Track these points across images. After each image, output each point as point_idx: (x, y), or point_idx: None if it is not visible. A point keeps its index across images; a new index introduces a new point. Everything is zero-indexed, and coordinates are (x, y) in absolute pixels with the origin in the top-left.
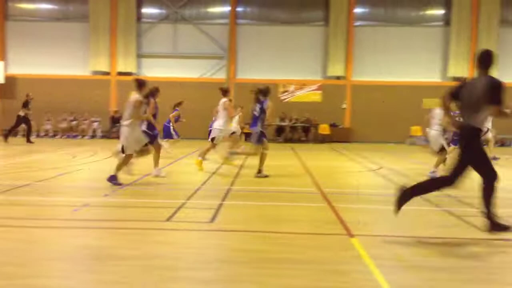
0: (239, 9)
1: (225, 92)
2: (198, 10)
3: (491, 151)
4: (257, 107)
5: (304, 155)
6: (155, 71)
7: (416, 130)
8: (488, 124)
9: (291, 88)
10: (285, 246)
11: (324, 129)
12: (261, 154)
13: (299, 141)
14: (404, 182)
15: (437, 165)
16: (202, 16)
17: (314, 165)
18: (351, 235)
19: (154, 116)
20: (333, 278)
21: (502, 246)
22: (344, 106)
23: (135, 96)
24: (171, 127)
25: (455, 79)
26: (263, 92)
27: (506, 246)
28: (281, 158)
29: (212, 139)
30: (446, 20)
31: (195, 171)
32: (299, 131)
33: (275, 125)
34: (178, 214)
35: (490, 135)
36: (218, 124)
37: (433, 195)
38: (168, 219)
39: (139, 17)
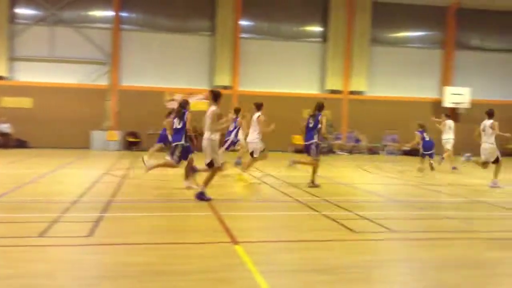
0: (124, 14)
1: (259, 106)
2: (79, 13)
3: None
4: (312, 120)
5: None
6: (30, 75)
7: (297, 139)
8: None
9: (178, 96)
10: (170, 257)
11: None
12: (315, 165)
13: None
14: (290, 190)
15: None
16: (83, 19)
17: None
18: (236, 243)
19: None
20: (219, 286)
21: (373, 245)
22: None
23: (211, 108)
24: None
25: (332, 91)
26: (319, 106)
27: (377, 244)
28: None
29: (252, 153)
30: (324, 37)
31: (72, 181)
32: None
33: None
34: (53, 229)
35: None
36: (253, 137)
37: (313, 199)
38: (41, 235)
39: (12, 18)
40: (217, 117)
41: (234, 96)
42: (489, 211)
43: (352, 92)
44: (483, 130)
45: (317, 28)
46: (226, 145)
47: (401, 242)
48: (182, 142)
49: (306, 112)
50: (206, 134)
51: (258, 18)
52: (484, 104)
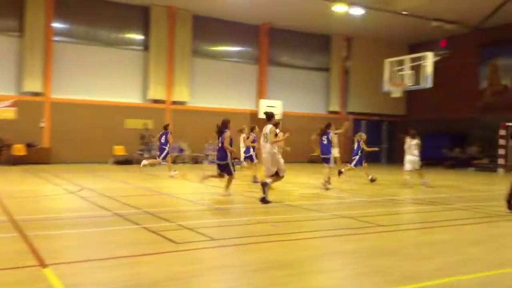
0: None
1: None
2: None
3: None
4: (325, 138)
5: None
6: None
7: (119, 149)
8: None
9: None
10: None
11: (19, 149)
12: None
13: None
14: (108, 203)
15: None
16: None
17: (4, 191)
18: (44, 266)
19: (230, 145)
20: None
21: (194, 255)
22: (42, 124)
23: (269, 126)
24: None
25: (155, 101)
26: (327, 125)
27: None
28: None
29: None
30: (146, 46)
31: None
32: None
33: None
34: None
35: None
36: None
37: (133, 212)
38: None
39: None
40: (274, 133)
41: (46, 104)
42: (296, 214)
43: (174, 102)
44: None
45: (138, 36)
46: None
47: (220, 250)
48: (228, 161)
49: (129, 122)
50: (268, 148)
51: (74, 22)
52: (294, 116)
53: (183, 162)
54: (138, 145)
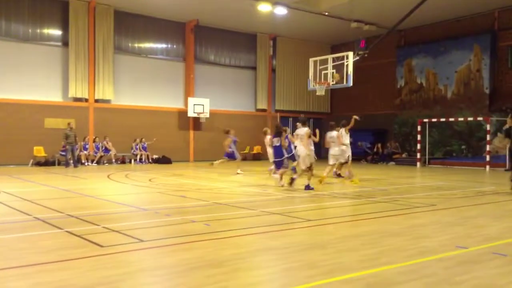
0: None
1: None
2: None
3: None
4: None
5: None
6: None
7: (39, 150)
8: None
9: None
10: None
11: None
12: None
13: None
14: (27, 207)
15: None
16: None
17: None
18: None
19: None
20: None
21: (121, 258)
22: None
23: (304, 129)
24: None
25: (77, 99)
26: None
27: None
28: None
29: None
30: (65, 41)
31: None
32: None
33: None
34: None
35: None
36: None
37: (55, 216)
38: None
39: None
40: (308, 135)
41: None
42: (227, 212)
43: (98, 101)
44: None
45: (56, 31)
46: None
47: (149, 251)
48: (284, 157)
49: (49, 122)
50: (302, 148)
51: None
52: (221, 114)
53: (109, 162)
54: (59, 146)
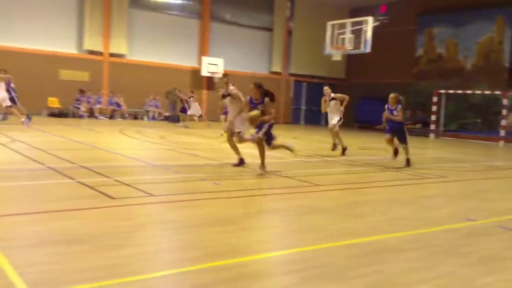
0: None
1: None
2: None
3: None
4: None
5: None
6: None
7: (53, 101)
8: None
9: None
10: None
11: None
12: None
13: None
14: (41, 157)
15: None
16: None
17: None
18: None
19: None
20: None
21: (131, 210)
22: None
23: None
24: None
25: (91, 52)
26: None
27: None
28: None
29: None
30: None
31: None
32: None
33: None
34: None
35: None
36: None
37: (68, 166)
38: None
39: None
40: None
41: None
42: (238, 172)
43: (112, 55)
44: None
45: None
46: None
47: (159, 205)
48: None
49: (64, 73)
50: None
51: None
52: (235, 75)
53: (121, 117)
54: (73, 97)
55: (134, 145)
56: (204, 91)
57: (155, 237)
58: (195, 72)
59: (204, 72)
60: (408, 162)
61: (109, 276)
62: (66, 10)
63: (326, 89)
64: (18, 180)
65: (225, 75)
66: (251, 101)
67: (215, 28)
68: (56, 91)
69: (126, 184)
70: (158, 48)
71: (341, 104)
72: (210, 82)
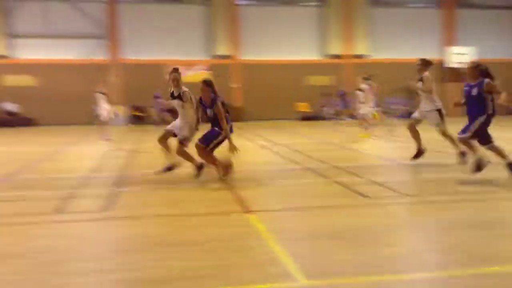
0: None
1: None
2: None
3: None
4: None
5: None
6: (29, 53)
7: (303, 106)
8: None
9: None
10: (181, 228)
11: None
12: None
13: None
14: (298, 157)
15: None
16: None
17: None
18: (248, 212)
19: None
20: (234, 255)
21: (386, 210)
22: (233, 85)
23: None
24: None
25: (334, 56)
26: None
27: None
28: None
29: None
30: (322, 0)
31: (81, 157)
32: None
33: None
34: (67, 205)
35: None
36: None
37: (322, 167)
38: (56, 212)
39: None
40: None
41: (237, 66)
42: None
43: (355, 56)
44: None
45: None
46: None
47: (412, 206)
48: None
49: (309, 79)
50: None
51: None
52: (491, 63)
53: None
54: (319, 102)
55: (383, 145)
56: (448, 84)
57: (415, 236)
58: (438, 64)
59: (450, 63)
60: None
61: (377, 272)
62: (308, 20)
63: None
64: (282, 179)
65: (175, 69)
66: (201, 102)
67: (460, 14)
68: (303, 97)
69: (379, 184)
70: (398, 44)
71: None
72: (457, 74)
